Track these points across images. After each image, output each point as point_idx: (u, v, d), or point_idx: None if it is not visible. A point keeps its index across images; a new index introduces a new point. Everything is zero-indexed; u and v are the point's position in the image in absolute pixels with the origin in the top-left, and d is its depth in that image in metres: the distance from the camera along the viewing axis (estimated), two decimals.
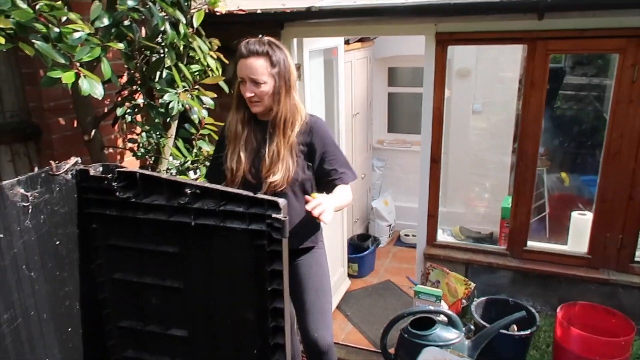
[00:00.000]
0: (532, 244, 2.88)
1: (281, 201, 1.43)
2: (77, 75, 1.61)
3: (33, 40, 1.56)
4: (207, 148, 2.45)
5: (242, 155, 1.84)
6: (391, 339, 2.25)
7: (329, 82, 3.67)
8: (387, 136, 5.07)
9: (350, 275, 4.04)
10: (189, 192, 1.48)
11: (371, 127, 4.85)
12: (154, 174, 1.55)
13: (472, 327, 2.19)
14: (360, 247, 4.12)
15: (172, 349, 1.69)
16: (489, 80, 4.16)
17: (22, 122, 2.42)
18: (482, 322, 2.33)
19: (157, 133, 2.29)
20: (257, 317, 1.55)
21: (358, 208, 4.46)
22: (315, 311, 1.82)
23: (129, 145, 2.57)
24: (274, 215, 1.42)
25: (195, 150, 2.49)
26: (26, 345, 1.43)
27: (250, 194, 1.47)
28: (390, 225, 4.69)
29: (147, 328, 1.70)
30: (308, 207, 1.68)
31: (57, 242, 1.52)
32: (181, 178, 1.56)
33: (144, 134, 2.33)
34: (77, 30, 1.64)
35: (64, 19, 1.68)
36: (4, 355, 1.36)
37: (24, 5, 1.55)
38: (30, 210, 1.42)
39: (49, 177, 1.48)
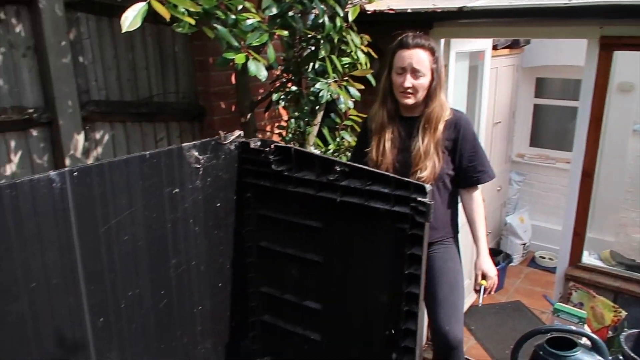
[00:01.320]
0: None
1: (427, 186, 1.44)
2: (247, 58, 1.77)
3: (215, 25, 1.76)
4: (349, 139, 2.53)
5: (388, 148, 1.87)
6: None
7: (472, 87, 3.56)
8: (528, 150, 4.76)
9: (476, 291, 3.86)
10: (338, 169, 1.55)
11: (512, 139, 4.60)
12: (308, 150, 1.65)
13: (621, 358, 1.96)
14: None
15: (306, 319, 1.77)
16: None
17: (191, 103, 2.73)
18: (633, 355, 2.08)
19: (305, 120, 2.42)
20: (391, 300, 1.57)
21: (491, 221, 4.24)
22: (448, 305, 1.79)
23: (277, 130, 2.75)
24: (419, 199, 1.42)
25: (337, 139, 2.59)
26: (186, 290, 1.61)
27: (396, 176, 1.49)
28: (524, 244, 4.39)
29: (285, 297, 1.81)
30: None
31: (218, 205, 1.69)
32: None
33: (292, 120, 2.48)
34: (250, 18, 1.81)
35: (239, 7, 1.87)
36: (168, 294, 1.55)
37: None
38: (200, 172, 1.60)
39: (217, 145, 1.66)
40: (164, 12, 1.40)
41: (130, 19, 1.38)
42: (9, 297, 1.14)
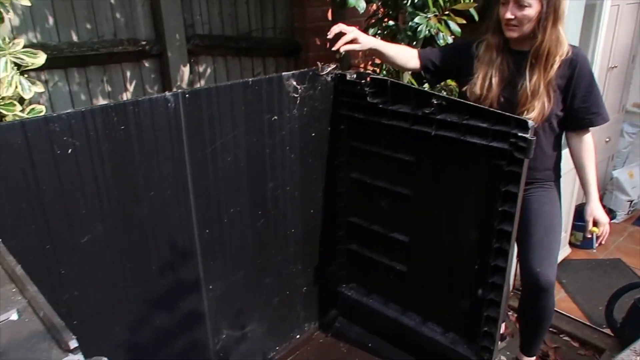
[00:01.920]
0: None
1: (529, 121, 1.37)
2: None
3: None
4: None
5: (494, 83, 1.77)
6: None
7: (586, 26, 3.24)
8: None
9: (571, 244, 3.69)
10: (435, 102, 1.53)
11: (629, 86, 4.16)
12: (404, 83, 1.63)
13: None
14: None
15: (392, 250, 1.82)
16: None
17: (287, 39, 2.77)
18: None
19: None
20: (481, 237, 1.56)
21: (597, 174, 3.96)
22: (542, 247, 1.74)
23: (371, 68, 2.72)
24: (520, 134, 1.37)
25: None
26: (280, 213, 1.71)
27: (497, 111, 1.44)
28: (631, 201, 4.06)
29: (372, 227, 1.86)
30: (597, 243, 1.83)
31: (313, 134, 1.74)
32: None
33: None
34: None
35: None
36: (265, 215, 1.66)
37: None
38: (297, 102, 1.65)
39: (314, 76, 1.69)
40: None
41: None
42: (133, 202, 1.29)
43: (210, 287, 1.57)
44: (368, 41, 1.73)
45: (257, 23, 2.67)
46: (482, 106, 1.48)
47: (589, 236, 1.90)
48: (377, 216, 1.84)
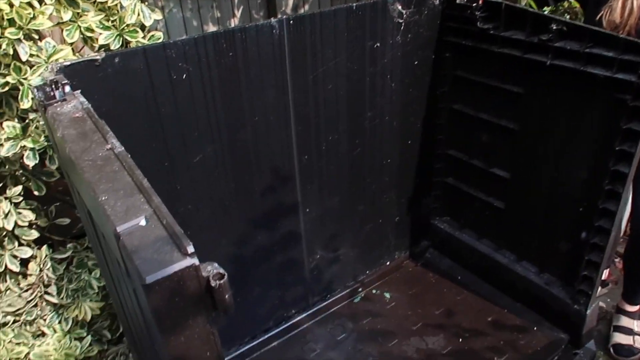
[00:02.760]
0: None
1: None
2: None
3: None
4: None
5: (636, 6, 1.55)
6: None
7: None
8: None
9: None
10: (554, 28, 1.39)
11: None
12: (521, 6, 1.49)
13: None
14: None
15: (491, 186, 1.77)
16: None
17: None
18: None
19: None
20: (591, 177, 1.45)
21: None
22: None
23: None
24: None
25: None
26: (377, 143, 1.72)
27: (628, 37, 1.28)
28: None
29: (472, 161, 1.81)
30: None
31: (416, 62, 1.69)
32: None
33: None
34: None
35: None
36: (362, 144, 1.68)
37: None
38: (402, 28, 1.59)
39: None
40: None
41: None
42: (239, 126, 1.37)
43: (307, 210, 1.66)
44: None
45: None
46: (609, 32, 1.33)
47: None
48: (478, 150, 1.78)
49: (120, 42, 1.23)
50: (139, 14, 1.22)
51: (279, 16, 2.38)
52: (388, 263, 2.01)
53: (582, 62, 1.36)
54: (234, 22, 2.37)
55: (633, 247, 1.73)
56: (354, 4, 1.45)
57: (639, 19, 1.55)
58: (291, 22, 1.34)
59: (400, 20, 1.57)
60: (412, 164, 1.86)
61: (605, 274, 2.05)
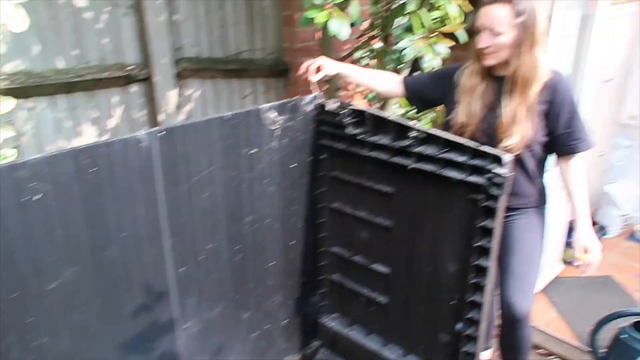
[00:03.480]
0: None
1: (506, 156, 1.36)
2: (329, 16, 1.75)
3: None
4: None
5: (476, 109, 1.76)
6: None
7: (581, 39, 3.22)
8: None
9: (564, 261, 3.67)
10: (413, 135, 1.52)
11: (624, 98, 4.14)
12: (384, 114, 1.62)
13: None
14: None
15: (373, 282, 1.81)
16: None
17: (277, 59, 2.77)
18: None
19: None
20: (459, 271, 1.55)
21: (588, 189, 3.94)
22: (518, 277, 1.73)
23: (360, 88, 2.72)
24: (495, 170, 1.36)
25: None
26: (259, 247, 1.70)
27: (475, 144, 1.43)
28: (624, 216, 4.04)
29: (354, 258, 1.85)
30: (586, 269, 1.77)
31: (293, 165, 1.74)
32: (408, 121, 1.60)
33: None
34: None
35: None
36: (243, 249, 1.65)
37: None
38: (277, 133, 1.65)
39: (295, 106, 1.68)
40: None
41: None
42: (104, 245, 1.29)
43: (186, 325, 1.56)
44: (334, 67, 1.82)
45: (246, 44, 2.67)
46: (460, 139, 1.47)
47: (577, 264, 1.87)
48: (359, 247, 1.83)
49: None
50: None
51: (161, 116, 2.37)
52: None
53: (440, 165, 1.49)
54: (111, 124, 2.30)
55: (503, 331, 1.83)
56: (229, 114, 1.48)
57: (481, 120, 1.76)
58: (161, 134, 1.33)
59: (276, 127, 1.63)
60: (296, 264, 1.86)
61: (486, 354, 2.15)
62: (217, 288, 1.60)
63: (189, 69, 2.46)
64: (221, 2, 2.50)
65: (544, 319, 3.09)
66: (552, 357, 2.64)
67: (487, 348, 2.21)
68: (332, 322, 1.99)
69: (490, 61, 1.71)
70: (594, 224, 3.86)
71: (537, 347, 2.62)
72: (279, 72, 2.79)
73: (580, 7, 3.05)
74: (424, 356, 1.74)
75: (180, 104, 2.47)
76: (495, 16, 1.64)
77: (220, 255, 1.58)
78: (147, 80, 2.35)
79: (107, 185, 1.25)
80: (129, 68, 2.28)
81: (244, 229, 1.63)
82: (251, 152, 1.58)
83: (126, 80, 2.30)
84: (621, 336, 1.86)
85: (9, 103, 1.24)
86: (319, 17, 1.72)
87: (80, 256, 1.24)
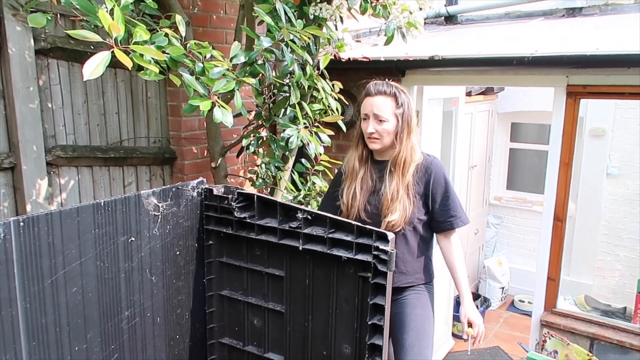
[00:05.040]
0: None
1: (389, 234, 1.42)
2: (213, 105, 1.77)
3: (181, 73, 1.76)
4: (320, 184, 2.52)
5: (358, 191, 1.88)
6: None
7: (446, 131, 3.62)
8: (505, 193, 4.81)
9: (454, 335, 3.80)
10: (300, 217, 1.53)
11: (489, 182, 4.65)
12: (270, 197, 1.62)
13: None
14: None
15: None
16: (629, 142, 3.79)
17: (162, 147, 2.71)
18: None
19: (276, 165, 2.41)
20: (355, 351, 1.51)
21: (468, 264, 4.22)
22: (414, 353, 1.75)
23: (249, 175, 2.73)
24: (381, 247, 1.40)
25: (308, 184, 2.57)
26: (139, 344, 1.53)
27: (359, 224, 1.47)
28: (503, 288, 4.36)
29: (246, 348, 1.74)
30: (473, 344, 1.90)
31: (177, 253, 1.64)
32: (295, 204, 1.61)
33: (263, 165, 2.47)
34: (217, 66, 1.82)
35: (207, 55, 1.88)
36: (120, 348, 1.47)
37: (177, 44, 1.77)
38: (159, 220, 1.56)
39: (178, 191, 1.63)
40: (127, 61, 1.40)
41: (93, 67, 1.36)
42: None
43: None
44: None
45: (130, 132, 2.60)
46: (344, 219, 1.51)
47: (465, 337, 1.95)
48: (251, 335, 1.73)
49: None
50: None
51: (28, 207, 2.16)
52: None
53: (328, 245, 1.50)
54: None
55: None
56: (102, 200, 1.38)
57: (365, 202, 1.86)
58: (21, 224, 1.19)
59: (157, 213, 1.55)
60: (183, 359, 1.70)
61: None
62: None
63: (63, 157, 2.30)
64: (101, 91, 2.44)
65: None
66: None
67: None
68: None
69: (376, 145, 1.86)
70: (478, 297, 4.10)
71: None
72: (164, 159, 2.72)
73: (442, 105, 3.46)
74: None
75: (51, 193, 2.27)
76: (381, 105, 1.83)
77: (91, 357, 1.39)
78: (12, 169, 2.15)
79: None
80: None
81: (120, 325, 1.46)
82: (130, 239, 1.47)
83: None
84: None
85: None
86: (204, 105, 1.73)
87: None
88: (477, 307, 3.70)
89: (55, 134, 2.28)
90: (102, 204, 1.38)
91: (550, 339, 2.52)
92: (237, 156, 2.73)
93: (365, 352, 1.48)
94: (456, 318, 3.73)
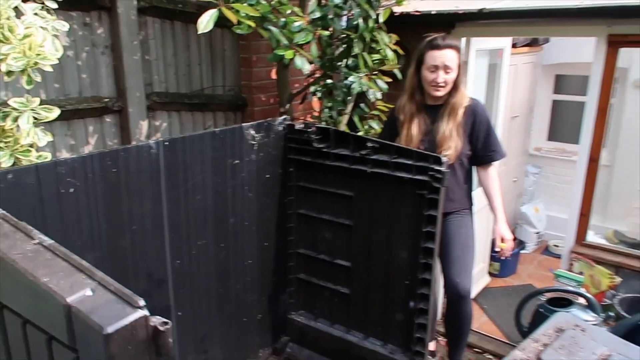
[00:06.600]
0: None
1: (444, 157, 1.75)
2: (294, 54, 2.11)
3: (268, 27, 2.09)
4: (376, 127, 2.84)
5: (415, 133, 2.17)
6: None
7: (491, 82, 3.82)
8: (546, 144, 4.98)
9: (490, 274, 4.13)
10: (369, 145, 1.87)
11: (530, 133, 4.83)
12: (343, 130, 1.97)
13: (612, 314, 2.22)
14: None
15: (337, 276, 2.10)
16: None
17: (235, 95, 3.08)
18: (623, 313, 2.33)
19: (338, 109, 2.75)
20: (410, 255, 1.88)
21: (506, 210, 4.49)
22: (460, 262, 2.10)
23: (311, 120, 3.08)
24: (437, 168, 1.74)
25: (366, 127, 2.90)
26: (239, 247, 1.95)
27: (419, 150, 1.80)
28: (538, 233, 4.63)
29: (319, 256, 2.14)
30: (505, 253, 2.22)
31: (267, 176, 2.03)
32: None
33: (326, 109, 2.81)
34: (297, 20, 2.15)
35: (288, 11, 2.20)
36: (227, 247, 1.89)
37: (264, 2, 2.10)
38: (255, 148, 1.94)
39: (269, 125, 1.99)
40: (232, 17, 1.74)
41: (205, 22, 1.72)
42: (119, 235, 1.50)
43: (179, 313, 1.76)
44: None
45: (209, 82, 2.97)
46: (407, 147, 1.85)
47: (498, 250, 2.27)
48: (323, 246, 2.12)
49: (12, 161, 1.32)
50: (34, 136, 1.34)
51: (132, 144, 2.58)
52: None
53: (392, 168, 1.85)
54: (87, 150, 2.48)
55: (449, 309, 2.18)
56: (218, 129, 1.77)
57: (420, 141, 2.18)
58: (166, 143, 1.59)
59: (254, 142, 1.93)
60: (269, 263, 2.11)
61: (432, 346, 2.47)
62: (205, 280, 1.83)
63: (158, 102, 2.70)
64: (186, 45, 2.81)
65: (476, 323, 3.49)
66: (485, 354, 3.01)
67: (432, 339, 2.53)
68: (299, 317, 2.24)
69: (440, 92, 2.16)
70: (515, 239, 4.39)
71: (472, 346, 2.98)
72: (237, 106, 3.10)
73: (488, 57, 3.66)
74: (382, 335, 2.03)
75: (149, 133, 2.70)
76: (450, 57, 2.11)
77: (209, 251, 1.81)
78: (120, 111, 2.57)
79: (123, 184, 1.48)
80: (104, 100, 2.50)
81: (227, 228, 1.88)
82: (235, 162, 1.86)
83: (102, 111, 2.50)
84: (540, 310, 2.25)
85: (55, 113, 1.46)
86: (287, 54, 2.07)
87: (100, 243, 1.45)
88: (512, 248, 4.01)
89: (152, 82, 2.68)
90: (217, 132, 1.76)
91: (577, 262, 2.82)
92: (301, 103, 3.08)
93: (419, 254, 1.84)
94: (492, 258, 4.05)
